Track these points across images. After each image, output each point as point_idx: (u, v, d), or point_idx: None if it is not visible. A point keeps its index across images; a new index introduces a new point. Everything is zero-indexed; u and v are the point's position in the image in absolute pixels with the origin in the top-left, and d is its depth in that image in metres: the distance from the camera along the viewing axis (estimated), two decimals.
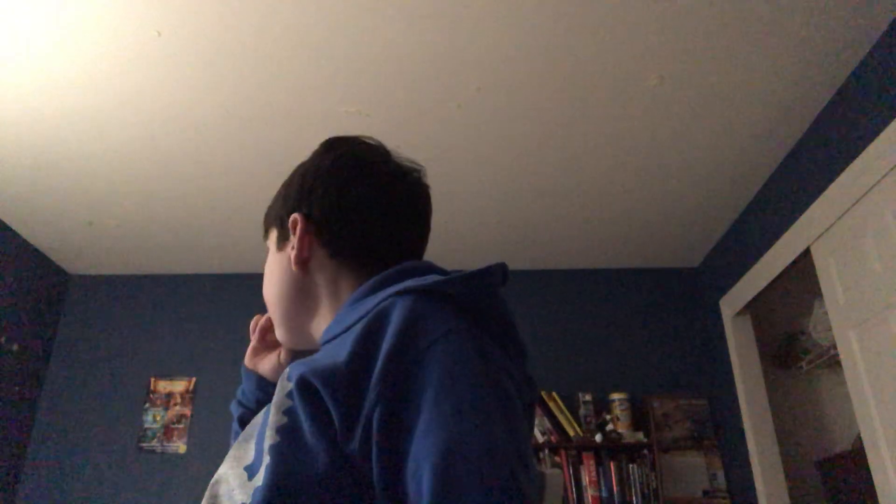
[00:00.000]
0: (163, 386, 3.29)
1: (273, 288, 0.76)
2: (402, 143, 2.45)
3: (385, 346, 0.53)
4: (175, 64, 2.06)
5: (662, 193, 2.82)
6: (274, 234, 0.77)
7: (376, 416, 0.51)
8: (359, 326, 0.57)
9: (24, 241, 3.17)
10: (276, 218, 0.77)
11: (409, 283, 0.60)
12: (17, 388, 3.10)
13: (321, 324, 0.73)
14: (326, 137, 0.80)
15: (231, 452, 0.62)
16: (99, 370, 3.34)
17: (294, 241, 0.72)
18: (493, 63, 2.07)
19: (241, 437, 0.63)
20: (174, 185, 2.72)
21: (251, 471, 0.57)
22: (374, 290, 0.66)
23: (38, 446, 3.19)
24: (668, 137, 2.44)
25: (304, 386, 0.55)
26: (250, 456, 0.59)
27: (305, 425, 0.54)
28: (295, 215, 0.73)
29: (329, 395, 0.53)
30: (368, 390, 0.52)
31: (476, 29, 1.94)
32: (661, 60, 2.06)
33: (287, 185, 0.78)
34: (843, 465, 2.72)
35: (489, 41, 1.98)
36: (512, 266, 3.52)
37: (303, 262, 0.72)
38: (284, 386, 0.57)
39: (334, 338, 0.64)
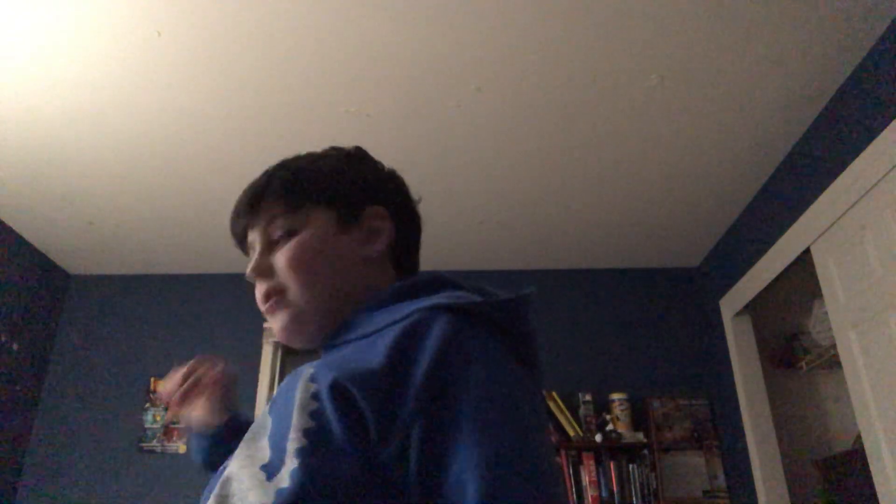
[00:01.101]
0: (163, 386, 3.29)
1: (327, 268, 0.72)
2: (402, 143, 2.45)
3: (425, 361, 0.55)
4: (175, 64, 2.06)
5: (662, 193, 2.82)
6: (322, 213, 0.74)
7: (417, 428, 0.53)
8: (391, 334, 0.58)
9: (24, 241, 3.17)
10: (337, 196, 0.75)
11: (444, 299, 0.62)
12: (17, 388, 3.10)
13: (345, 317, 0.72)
14: (326, 137, 0.81)
15: (241, 451, 0.60)
16: (99, 370, 3.34)
17: (376, 233, 0.75)
18: (492, 63, 2.07)
19: (248, 437, 0.62)
20: (174, 185, 2.72)
21: (269, 470, 0.55)
22: (402, 297, 0.67)
23: (37, 446, 3.19)
24: (668, 137, 2.44)
25: (337, 390, 0.55)
26: (265, 455, 0.57)
27: (337, 429, 0.54)
28: (380, 209, 0.76)
29: (366, 402, 0.54)
30: (407, 401, 0.54)
31: (476, 29, 1.94)
32: (661, 60, 2.06)
33: (339, 171, 0.77)
34: (843, 465, 2.72)
35: (489, 41, 1.98)
36: (512, 266, 3.52)
37: (376, 257, 0.75)
38: (307, 387, 0.58)
39: (361, 337, 0.64)
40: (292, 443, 0.55)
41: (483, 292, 0.67)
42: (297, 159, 0.79)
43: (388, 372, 0.55)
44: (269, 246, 0.74)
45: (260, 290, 0.73)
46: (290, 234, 0.73)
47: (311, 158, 0.79)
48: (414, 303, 0.63)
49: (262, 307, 0.74)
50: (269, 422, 0.61)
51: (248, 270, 0.74)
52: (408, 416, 0.54)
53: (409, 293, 0.68)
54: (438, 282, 0.69)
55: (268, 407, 0.64)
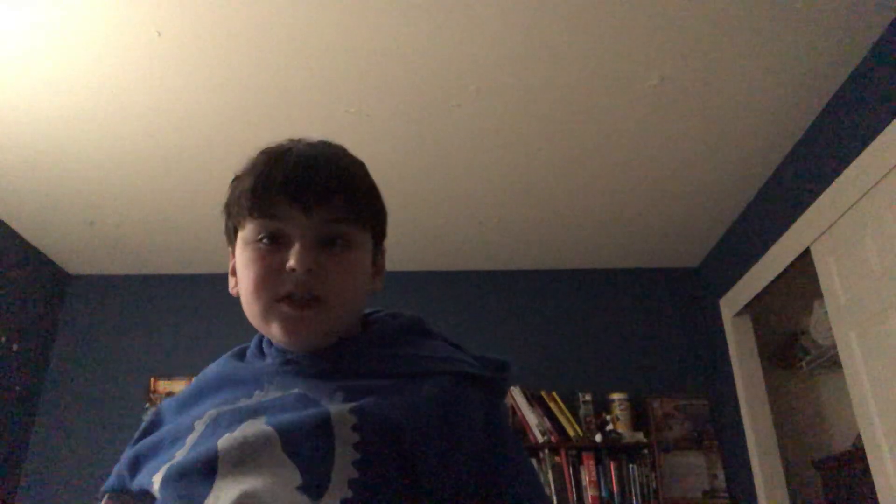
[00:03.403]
0: (163, 386, 3.29)
1: (358, 290, 0.71)
2: (402, 144, 2.45)
3: (482, 428, 0.66)
4: (175, 64, 2.06)
5: (662, 193, 2.82)
6: (369, 240, 0.73)
7: (473, 469, 0.63)
8: (439, 395, 0.65)
9: (24, 241, 3.16)
10: (378, 225, 0.75)
11: (468, 366, 0.70)
12: (17, 388, 3.10)
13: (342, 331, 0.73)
14: (325, 137, 0.79)
15: (258, 470, 0.58)
16: (99, 370, 3.34)
17: (381, 271, 0.77)
18: (492, 63, 2.07)
19: (248, 459, 0.60)
20: (174, 185, 2.72)
21: (313, 493, 0.56)
22: (406, 334, 0.74)
23: (38, 446, 3.19)
24: (668, 137, 2.44)
25: (385, 428, 0.60)
26: (296, 478, 0.57)
27: (387, 464, 0.59)
28: (385, 249, 0.78)
29: (418, 445, 0.60)
30: (461, 447, 0.63)
31: (475, 29, 1.94)
32: (661, 60, 2.06)
33: (379, 195, 0.75)
34: (843, 465, 2.72)
35: (489, 41, 1.98)
36: (512, 266, 3.52)
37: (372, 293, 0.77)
38: (345, 419, 0.60)
39: (388, 376, 0.68)
40: (343, 472, 0.58)
41: (461, 349, 0.75)
42: (352, 158, 0.75)
43: (443, 427, 0.63)
44: (318, 243, 0.68)
45: (297, 285, 0.66)
46: (347, 244, 0.69)
47: (362, 166, 0.76)
48: (435, 353, 0.71)
49: (275, 299, 0.68)
50: (272, 434, 0.60)
51: (306, 261, 0.66)
52: (463, 462, 0.62)
53: (415, 330, 0.75)
54: (425, 326, 0.77)
55: (262, 416, 0.63)
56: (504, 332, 3.37)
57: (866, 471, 2.12)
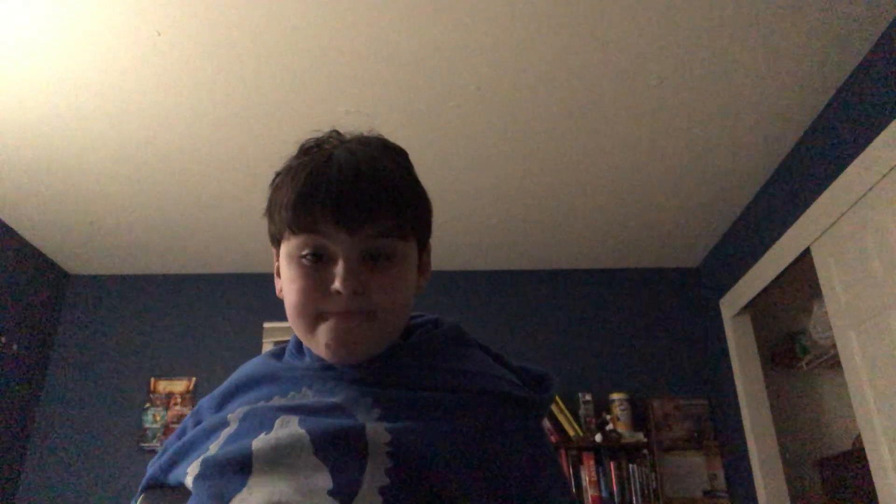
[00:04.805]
0: (163, 386, 3.29)
1: (406, 299, 0.70)
2: (402, 143, 2.44)
3: (525, 460, 0.66)
4: (175, 64, 2.06)
5: (662, 193, 2.82)
6: (414, 248, 0.71)
7: (512, 498, 0.63)
8: (472, 424, 0.64)
9: (24, 241, 3.17)
10: (424, 230, 0.73)
11: (517, 389, 0.70)
12: (17, 388, 3.10)
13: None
14: (366, 131, 0.78)
15: (290, 472, 0.59)
16: (99, 370, 3.34)
17: (426, 268, 0.76)
18: (492, 63, 2.07)
19: (281, 460, 0.60)
20: (174, 185, 2.72)
21: (344, 496, 0.57)
22: (451, 344, 0.73)
23: (38, 446, 3.19)
24: (668, 138, 2.44)
25: (419, 459, 0.60)
26: (328, 482, 0.58)
27: (415, 479, 0.59)
28: (430, 245, 0.76)
29: (453, 484, 0.60)
30: (499, 482, 0.63)
31: (476, 29, 1.94)
32: (661, 61, 2.06)
33: (423, 197, 0.73)
34: (843, 465, 2.72)
35: (489, 41, 1.98)
36: (512, 266, 3.52)
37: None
38: (380, 433, 0.60)
39: (433, 389, 0.67)
40: (375, 481, 0.58)
41: (510, 366, 0.75)
42: (398, 165, 0.72)
43: (484, 470, 0.63)
44: (363, 258, 0.67)
45: (348, 304, 0.66)
46: (392, 258, 0.68)
47: (409, 172, 0.74)
48: (477, 367, 0.71)
49: (319, 315, 0.68)
50: (305, 437, 0.61)
51: (351, 283, 0.65)
52: (506, 484, 0.63)
53: (457, 340, 0.75)
54: (466, 336, 0.77)
55: (295, 417, 0.63)
56: (504, 332, 3.37)
57: (866, 471, 2.12)
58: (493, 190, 2.79)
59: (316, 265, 0.67)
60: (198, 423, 0.74)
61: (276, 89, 2.18)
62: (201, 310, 3.46)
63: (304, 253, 0.67)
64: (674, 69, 2.09)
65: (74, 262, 3.43)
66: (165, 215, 2.96)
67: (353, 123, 2.31)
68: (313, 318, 0.67)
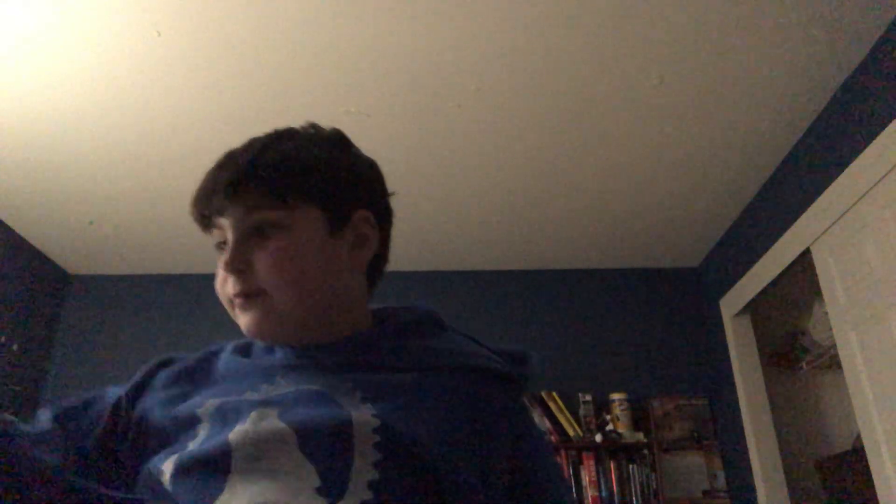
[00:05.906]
0: None
1: (318, 274, 0.67)
2: (402, 143, 2.45)
3: (510, 437, 0.66)
4: (175, 64, 2.06)
5: (662, 193, 2.82)
6: (314, 215, 0.68)
7: (502, 477, 0.63)
8: (454, 400, 0.64)
9: (24, 241, 3.16)
10: (328, 197, 0.69)
11: (495, 362, 0.69)
12: (17, 388, 3.10)
13: (347, 322, 0.70)
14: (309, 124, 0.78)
15: (274, 470, 0.56)
16: (99, 370, 3.34)
17: (363, 240, 0.72)
18: (492, 63, 2.07)
19: (263, 457, 0.57)
20: (174, 185, 2.72)
21: (332, 494, 0.54)
22: (425, 325, 0.73)
23: None
24: (668, 137, 2.44)
25: (408, 442, 0.58)
26: (314, 479, 0.55)
27: (408, 471, 0.57)
28: (368, 214, 0.72)
29: (442, 462, 0.58)
30: (488, 460, 0.62)
31: (476, 29, 1.94)
32: (661, 60, 2.06)
33: (330, 166, 0.70)
34: (843, 465, 2.72)
35: (489, 41, 1.98)
36: (512, 266, 3.52)
37: (359, 266, 0.72)
38: (367, 420, 0.58)
39: (407, 370, 0.66)
40: (363, 474, 0.56)
41: (481, 343, 0.74)
42: (281, 141, 0.71)
43: (472, 449, 0.62)
44: (246, 237, 0.66)
45: (234, 286, 0.66)
46: (273, 229, 0.66)
47: (298, 144, 0.72)
48: (453, 345, 0.70)
49: (230, 301, 0.68)
50: (287, 431, 0.58)
51: (225, 263, 0.66)
52: (498, 470, 0.63)
53: (432, 323, 0.74)
54: (441, 321, 0.75)
55: (273, 411, 0.60)
56: (503, 333, 3.37)
57: (866, 471, 2.12)
58: (493, 190, 2.79)
59: (221, 253, 0.69)
60: (147, 385, 0.74)
61: (275, 89, 2.18)
62: (201, 310, 3.46)
63: (214, 244, 0.71)
64: (674, 69, 2.09)
65: (74, 262, 3.42)
66: (166, 215, 2.96)
67: (353, 123, 2.31)
68: (230, 305, 0.69)
